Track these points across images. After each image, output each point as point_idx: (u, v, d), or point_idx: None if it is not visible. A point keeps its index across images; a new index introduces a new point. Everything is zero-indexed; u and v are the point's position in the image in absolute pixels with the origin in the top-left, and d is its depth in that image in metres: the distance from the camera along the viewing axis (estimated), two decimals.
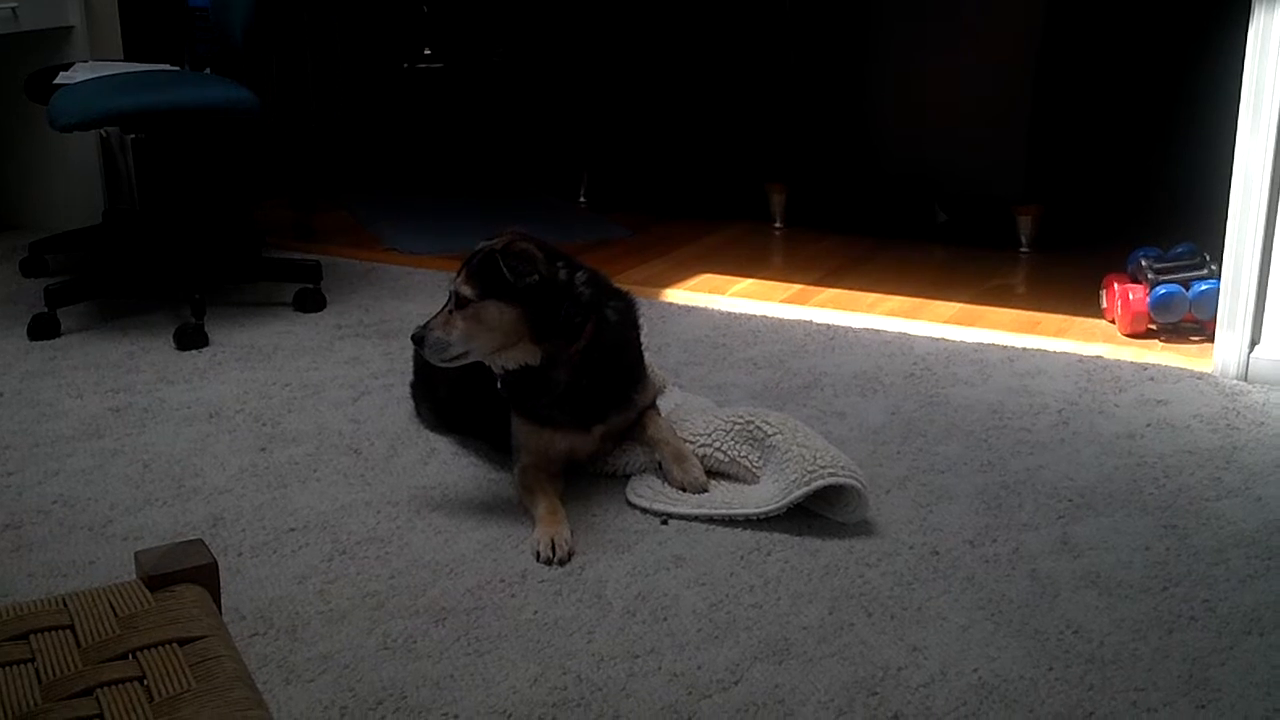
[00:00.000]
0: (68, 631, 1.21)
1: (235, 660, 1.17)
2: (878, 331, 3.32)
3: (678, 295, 3.63)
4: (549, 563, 2.18)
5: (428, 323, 2.33)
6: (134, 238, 3.97)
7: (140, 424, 2.77)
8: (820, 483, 2.26)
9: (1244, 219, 2.92)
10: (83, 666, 1.16)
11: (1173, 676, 1.86)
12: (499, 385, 2.41)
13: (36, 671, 1.15)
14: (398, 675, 1.87)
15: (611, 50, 4.58)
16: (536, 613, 2.04)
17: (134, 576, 1.31)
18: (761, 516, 2.30)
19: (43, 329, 3.30)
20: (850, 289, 3.68)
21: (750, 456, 2.41)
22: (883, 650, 1.93)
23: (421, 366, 2.80)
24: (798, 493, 2.27)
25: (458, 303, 2.30)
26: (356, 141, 4.95)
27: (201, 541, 1.34)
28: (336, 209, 4.59)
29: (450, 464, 2.58)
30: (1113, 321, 3.34)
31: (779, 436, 2.37)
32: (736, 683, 1.86)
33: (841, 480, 2.27)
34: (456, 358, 2.31)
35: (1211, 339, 3.07)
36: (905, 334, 3.30)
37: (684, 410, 2.66)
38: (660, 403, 2.61)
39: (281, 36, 4.25)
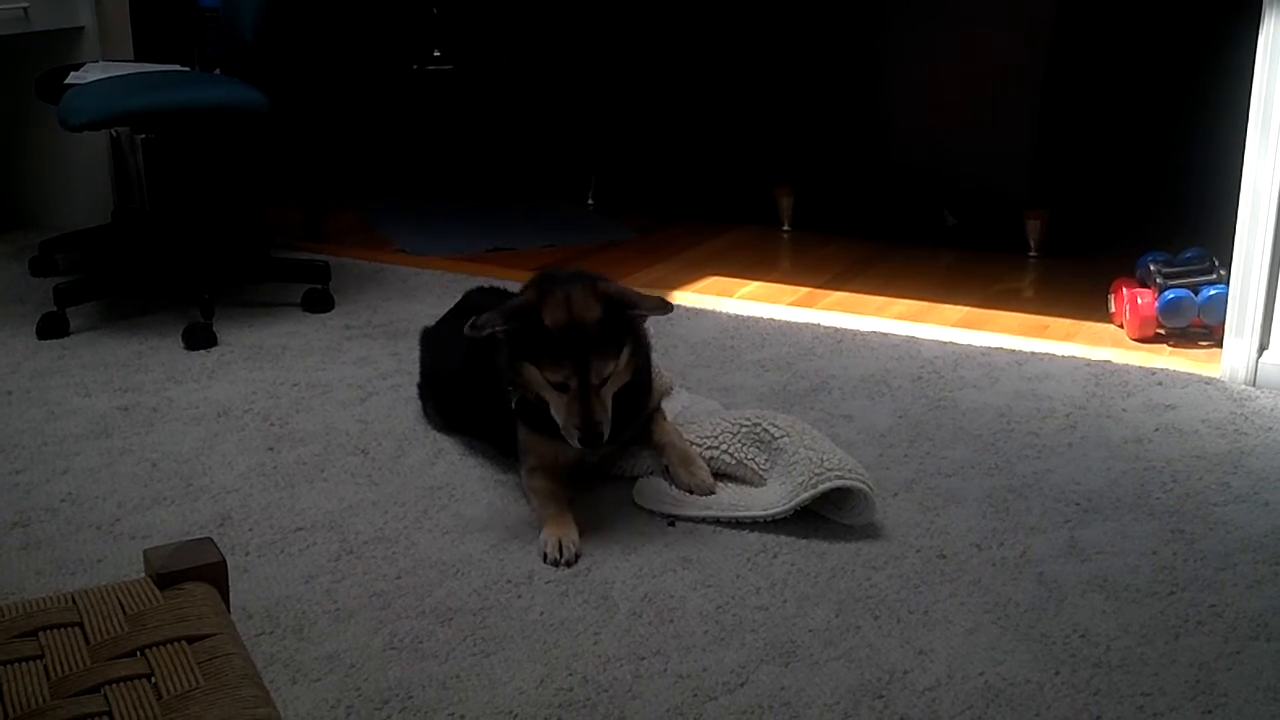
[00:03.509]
0: (76, 629, 1.21)
1: (243, 658, 1.17)
2: (885, 335, 3.32)
3: (685, 297, 3.63)
4: (556, 564, 2.18)
5: (581, 422, 2.21)
6: (143, 237, 3.98)
7: (148, 423, 2.77)
8: (827, 485, 2.26)
9: (1253, 224, 2.92)
10: (91, 664, 1.16)
11: (1179, 681, 1.86)
12: (512, 405, 2.38)
13: (45, 668, 1.15)
14: (404, 675, 1.88)
15: (620, 54, 4.58)
16: (543, 614, 2.04)
17: (142, 574, 1.31)
18: (768, 519, 2.30)
19: (52, 328, 3.30)
20: (858, 292, 3.68)
21: (757, 459, 2.41)
22: (889, 653, 1.93)
23: (428, 367, 2.80)
24: (805, 495, 2.27)
25: (599, 378, 2.22)
26: (365, 143, 4.95)
27: (210, 540, 1.34)
28: (345, 210, 4.59)
29: (458, 465, 2.59)
30: (1121, 326, 3.34)
31: (786, 439, 2.37)
32: (742, 685, 1.86)
33: (849, 483, 2.27)
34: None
35: (1220, 344, 3.07)
36: (913, 337, 3.30)
37: (691, 413, 2.66)
38: (667, 405, 2.61)
39: (291, 37, 4.25)
